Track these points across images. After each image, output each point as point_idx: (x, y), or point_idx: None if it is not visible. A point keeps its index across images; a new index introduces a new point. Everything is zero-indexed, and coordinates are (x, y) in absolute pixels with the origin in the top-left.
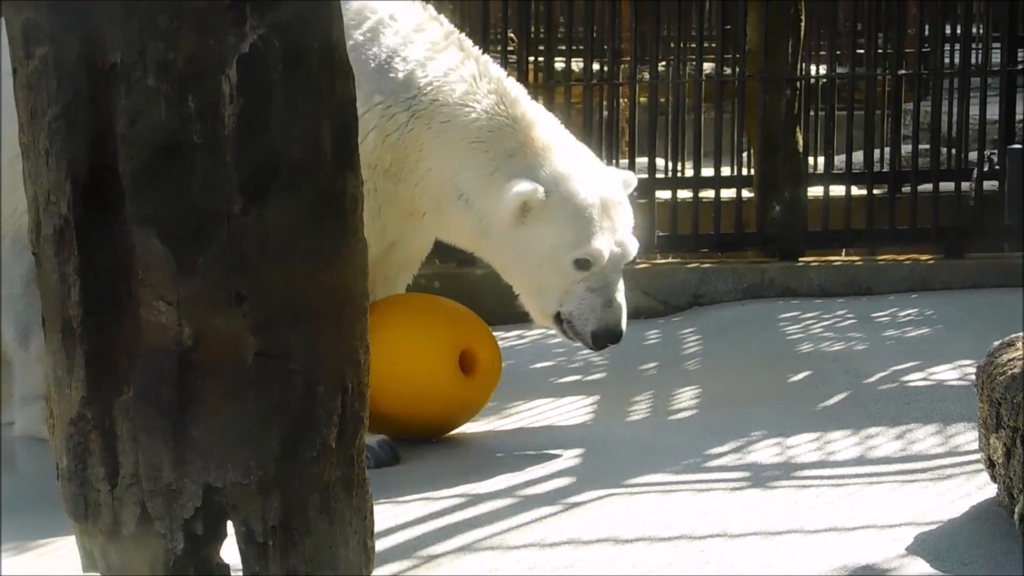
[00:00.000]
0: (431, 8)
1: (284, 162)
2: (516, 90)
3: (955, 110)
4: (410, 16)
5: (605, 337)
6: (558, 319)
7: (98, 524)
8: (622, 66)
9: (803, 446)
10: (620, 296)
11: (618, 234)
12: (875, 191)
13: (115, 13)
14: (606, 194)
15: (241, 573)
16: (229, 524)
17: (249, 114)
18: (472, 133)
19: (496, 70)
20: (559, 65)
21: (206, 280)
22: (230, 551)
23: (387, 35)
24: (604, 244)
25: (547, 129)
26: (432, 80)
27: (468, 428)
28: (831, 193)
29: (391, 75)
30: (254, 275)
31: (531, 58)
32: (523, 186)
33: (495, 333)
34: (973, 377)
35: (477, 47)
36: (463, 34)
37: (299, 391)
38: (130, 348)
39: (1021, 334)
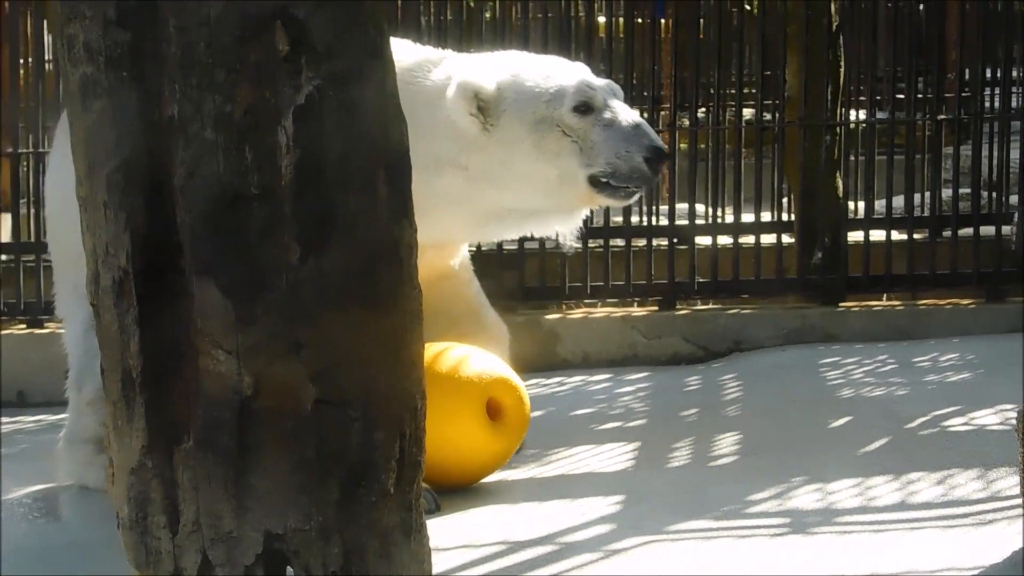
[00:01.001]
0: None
1: (340, 211)
2: (447, 53)
3: (995, 154)
4: None
5: (657, 157)
6: (597, 184)
7: (159, 572)
8: (662, 112)
9: (844, 491)
10: (638, 116)
11: (585, 76)
12: (916, 236)
13: (173, 67)
14: (548, 59)
15: None
16: (289, 570)
17: (305, 164)
18: (409, 110)
19: (429, 49)
20: None
21: (264, 329)
22: None
23: None
24: (581, 81)
25: (469, 59)
26: None
27: (508, 475)
28: (872, 238)
29: None
30: (312, 324)
31: None
32: (458, 80)
33: (535, 380)
34: (1014, 421)
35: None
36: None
37: (357, 437)
38: (190, 397)
39: None
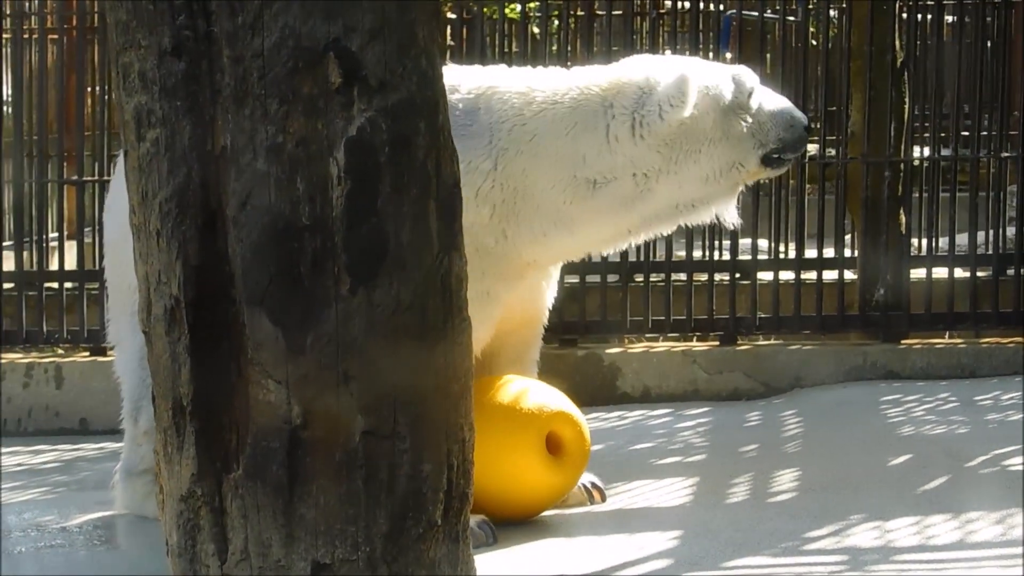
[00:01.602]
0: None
1: (391, 243)
2: (553, 70)
3: None
4: (468, 76)
5: (808, 125)
6: (768, 160)
7: None
8: None
9: (903, 530)
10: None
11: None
12: (979, 273)
13: (226, 98)
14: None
15: None
16: None
17: (357, 196)
18: (564, 123)
19: (530, 70)
20: None
21: (315, 360)
22: None
23: (452, 99)
24: (733, 72)
25: (616, 67)
26: (498, 115)
27: (567, 509)
28: (934, 275)
29: (464, 135)
30: (361, 355)
31: None
32: (677, 75)
33: (596, 414)
34: None
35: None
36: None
37: (406, 469)
38: (239, 426)
39: None
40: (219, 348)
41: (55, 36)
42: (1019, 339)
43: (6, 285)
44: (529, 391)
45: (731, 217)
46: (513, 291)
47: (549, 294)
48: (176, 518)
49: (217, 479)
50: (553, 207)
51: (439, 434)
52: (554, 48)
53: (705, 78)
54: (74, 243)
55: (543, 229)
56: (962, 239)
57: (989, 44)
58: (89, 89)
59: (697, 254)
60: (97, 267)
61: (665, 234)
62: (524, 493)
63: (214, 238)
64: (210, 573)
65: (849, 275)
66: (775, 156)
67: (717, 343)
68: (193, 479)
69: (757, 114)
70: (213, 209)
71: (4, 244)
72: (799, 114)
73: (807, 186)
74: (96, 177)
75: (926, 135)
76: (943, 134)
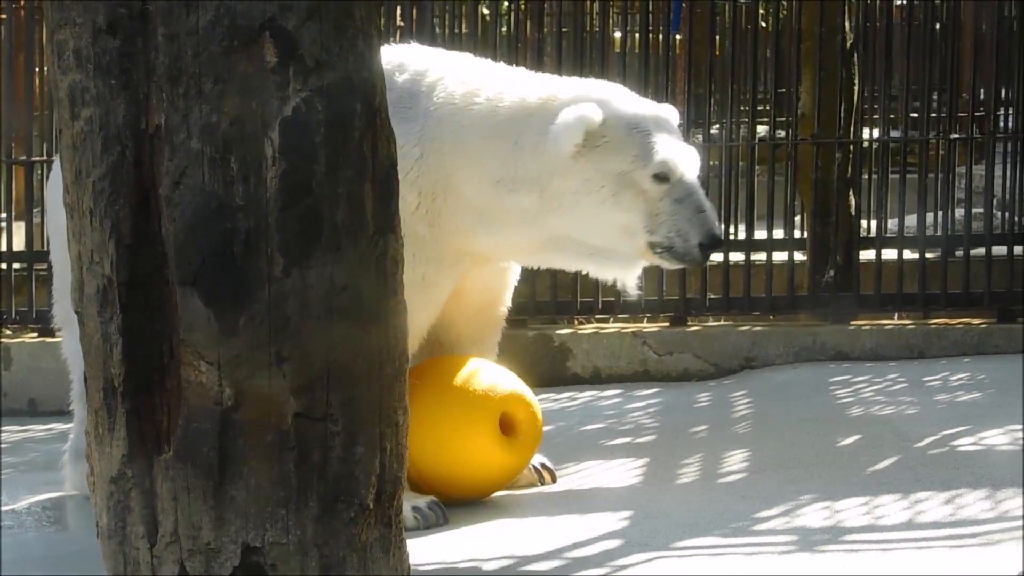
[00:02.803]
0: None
1: (326, 224)
2: (521, 72)
3: (1009, 173)
4: (417, 57)
5: (711, 244)
6: (653, 250)
7: None
8: None
9: (852, 510)
10: (707, 200)
11: (679, 142)
12: (928, 255)
13: (161, 76)
14: (649, 110)
15: None
16: None
17: (291, 176)
18: (490, 125)
19: (495, 66)
20: None
21: (247, 341)
22: None
23: (399, 81)
24: (671, 150)
25: (570, 83)
26: (434, 102)
27: (517, 490)
28: (884, 257)
29: (401, 119)
30: (295, 336)
31: None
32: (576, 112)
33: (546, 395)
34: (1022, 442)
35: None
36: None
37: (338, 452)
38: (171, 407)
39: None
40: (151, 329)
41: (3, 15)
42: (967, 320)
43: None
44: (482, 371)
45: (630, 285)
46: (453, 278)
47: (511, 278)
48: (107, 499)
49: (148, 460)
50: (472, 204)
51: (372, 417)
52: (504, 30)
53: (611, 126)
54: (22, 224)
55: (467, 223)
56: (911, 221)
57: (938, 26)
58: (37, 69)
59: None
60: (46, 248)
61: (581, 272)
62: (476, 473)
63: (148, 218)
64: (139, 556)
65: (799, 256)
66: (659, 252)
67: (667, 324)
68: (124, 460)
69: (656, 199)
70: (147, 188)
71: None
72: (704, 230)
73: (757, 167)
74: (44, 157)
75: (876, 117)
76: (893, 116)
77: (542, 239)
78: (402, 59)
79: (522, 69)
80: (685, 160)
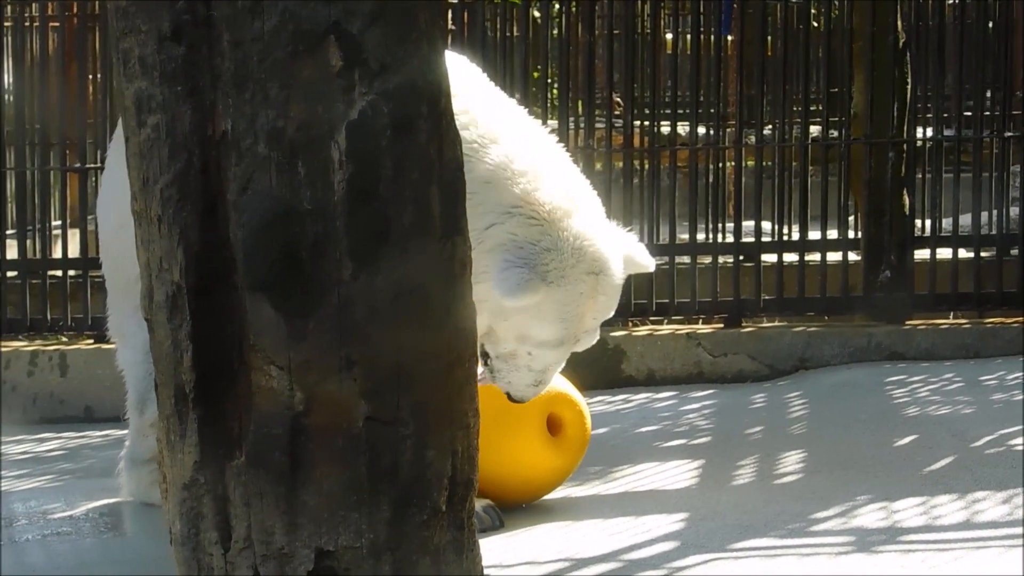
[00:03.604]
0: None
1: (393, 227)
2: (529, 139)
3: None
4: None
5: (510, 399)
6: (484, 356)
7: None
8: (728, 129)
9: (908, 510)
10: (550, 375)
11: (589, 329)
12: (983, 254)
13: (227, 82)
14: (602, 283)
15: None
16: None
17: (358, 180)
18: (477, 199)
19: (510, 117)
20: (665, 129)
21: (317, 345)
22: None
23: None
24: (568, 346)
25: (557, 187)
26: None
27: (573, 492)
28: (938, 256)
29: None
30: (364, 340)
31: (636, 122)
32: (535, 290)
33: (600, 397)
34: None
35: (495, 92)
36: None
37: (409, 455)
38: (242, 413)
39: None
40: (221, 334)
41: (56, 24)
42: (1023, 319)
43: (9, 273)
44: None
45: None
46: None
47: None
48: (179, 506)
49: (220, 466)
50: None
51: (443, 420)
52: (555, 32)
53: (538, 307)
54: (77, 231)
55: None
56: (965, 220)
57: (991, 24)
58: (91, 76)
59: (700, 236)
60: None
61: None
62: (522, 474)
63: (215, 224)
64: (213, 561)
65: (853, 256)
66: (485, 364)
67: (721, 325)
68: (196, 467)
69: (524, 356)
70: (214, 195)
71: (7, 232)
72: (517, 395)
73: (810, 167)
74: (98, 164)
75: (929, 116)
76: (946, 114)
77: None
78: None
79: (531, 133)
80: (573, 347)
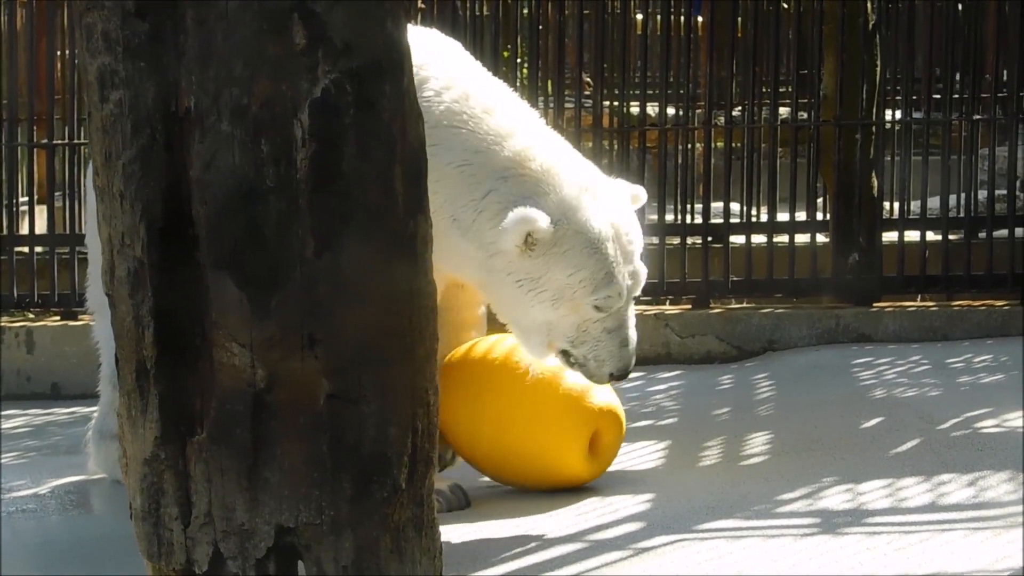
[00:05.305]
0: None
1: (357, 206)
2: (512, 107)
3: None
4: (436, 61)
5: (620, 376)
6: (566, 357)
7: (171, 564)
8: (697, 110)
9: (874, 492)
10: (634, 332)
11: (632, 263)
12: (951, 236)
13: (191, 59)
14: (617, 219)
15: None
16: (301, 564)
17: (322, 158)
18: (457, 155)
19: (492, 88)
20: (634, 109)
21: (279, 323)
22: None
23: None
24: (623, 282)
25: (547, 148)
26: (432, 113)
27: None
28: (906, 238)
29: None
30: (327, 318)
31: (606, 102)
32: (526, 214)
33: None
34: None
35: (478, 67)
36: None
37: (371, 433)
38: (204, 390)
39: None
40: (183, 311)
41: (25, 0)
42: (991, 302)
43: None
44: (579, 389)
45: (531, 366)
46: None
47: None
48: (140, 481)
49: (181, 442)
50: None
51: (404, 398)
52: (525, 12)
53: (564, 239)
54: (44, 207)
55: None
56: (934, 202)
57: (960, 7)
58: (59, 52)
59: (669, 218)
60: (68, 231)
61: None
62: (548, 474)
63: (179, 201)
64: (173, 537)
65: (821, 238)
66: (571, 362)
67: (690, 306)
68: (157, 442)
69: (588, 321)
70: (178, 171)
71: None
72: (620, 365)
73: (779, 149)
74: (66, 141)
75: (898, 98)
76: (915, 97)
77: (480, 287)
78: (421, 58)
79: (522, 111)
80: (631, 290)
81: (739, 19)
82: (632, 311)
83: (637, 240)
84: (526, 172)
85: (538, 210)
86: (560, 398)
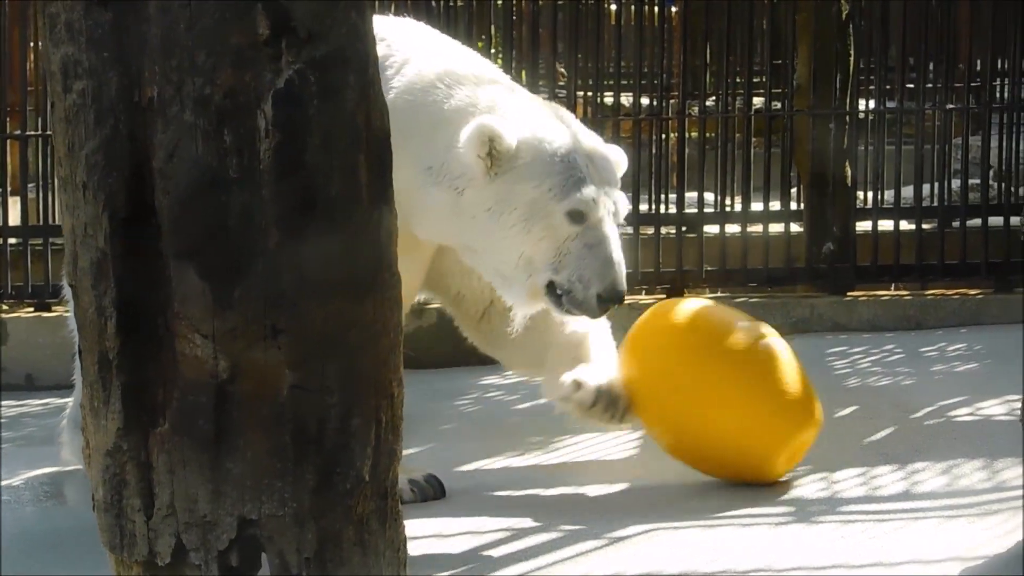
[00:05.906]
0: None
1: (320, 196)
2: (486, 66)
3: (1005, 144)
4: (398, 33)
5: (610, 298)
6: (552, 291)
7: (134, 555)
8: (671, 100)
9: (849, 480)
10: (619, 252)
11: (609, 186)
12: (924, 225)
13: (154, 49)
14: (592, 144)
15: None
16: (264, 556)
17: (285, 149)
18: (435, 112)
19: (464, 52)
20: (608, 99)
21: (242, 314)
22: None
23: None
24: (595, 191)
25: (519, 93)
26: (400, 78)
27: (514, 462)
28: (880, 228)
29: None
30: (290, 309)
31: (580, 92)
32: (480, 122)
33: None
34: (1020, 412)
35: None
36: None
37: (334, 424)
38: (166, 380)
39: None
40: (146, 302)
41: None
42: (964, 291)
43: None
44: (802, 373)
45: (519, 318)
46: (415, 263)
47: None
48: (102, 472)
49: (143, 433)
50: (404, 186)
51: (368, 389)
52: (499, 2)
53: (528, 151)
54: (18, 199)
55: (403, 206)
56: (908, 192)
57: None
58: (32, 43)
59: (643, 207)
60: (41, 223)
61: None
62: (723, 464)
63: (142, 191)
64: (136, 528)
65: (796, 228)
66: (558, 294)
67: (664, 296)
68: (119, 433)
69: (567, 239)
70: (140, 162)
71: None
72: (607, 282)
73: (753, 139)
74: (39, 132)
75: (872, 87)
76: (889, 86)
77: (457, 243)
78: (384, 32)
79: (502, 75)
80: (606, 204)
81: (713, 9)
82: (615, 233)
83: (612, 169)
84: (493, 106)
85: (496, 119)
86: (785, 390)
